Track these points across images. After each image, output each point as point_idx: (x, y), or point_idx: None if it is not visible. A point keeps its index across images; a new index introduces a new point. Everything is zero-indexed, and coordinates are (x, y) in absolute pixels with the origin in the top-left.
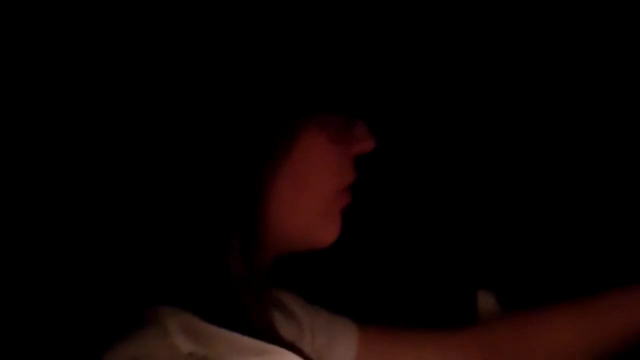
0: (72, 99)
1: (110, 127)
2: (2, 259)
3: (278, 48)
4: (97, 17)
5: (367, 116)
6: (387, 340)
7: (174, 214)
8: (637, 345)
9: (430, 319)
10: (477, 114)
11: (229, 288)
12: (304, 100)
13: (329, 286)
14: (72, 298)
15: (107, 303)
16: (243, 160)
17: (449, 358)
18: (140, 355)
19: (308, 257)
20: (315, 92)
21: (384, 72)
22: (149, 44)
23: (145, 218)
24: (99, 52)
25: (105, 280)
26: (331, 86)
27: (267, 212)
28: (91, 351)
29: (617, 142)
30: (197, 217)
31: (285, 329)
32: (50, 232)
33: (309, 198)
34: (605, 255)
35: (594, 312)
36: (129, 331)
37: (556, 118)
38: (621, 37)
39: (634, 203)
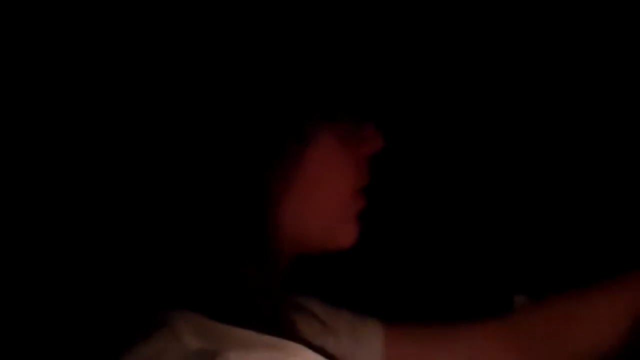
0: (83, 102)
1: (125, 133)
2: (15, 263)
3: (288, 51)
4: (104, 19)
5: (378, 117)
6: (416, 338)
7: (186, 219)
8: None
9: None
10: (495, 109)
11: (242, 291)
12: (315, 103)
13: (354, 292)
14: (87, 302)
15: (121, 307)
16: (254, 164)
17: (482, 349)
18: (149, 356)
19: (333, 260)
20: (326, 95)
21: (391, 74)
22: (160, 48)
23: (158, 223)
24: (110, 55)
25: (119, 284)
26: (341, 88)
27: (280, 215)
28: (106, 355)
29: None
30: (209, 221)
31: (307, 331)
32: (65, 235)
33: (324, 201)
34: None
35: (629, 287)
36: (141, 335)
37: (573, 113)
38: (621, 37)
39: None
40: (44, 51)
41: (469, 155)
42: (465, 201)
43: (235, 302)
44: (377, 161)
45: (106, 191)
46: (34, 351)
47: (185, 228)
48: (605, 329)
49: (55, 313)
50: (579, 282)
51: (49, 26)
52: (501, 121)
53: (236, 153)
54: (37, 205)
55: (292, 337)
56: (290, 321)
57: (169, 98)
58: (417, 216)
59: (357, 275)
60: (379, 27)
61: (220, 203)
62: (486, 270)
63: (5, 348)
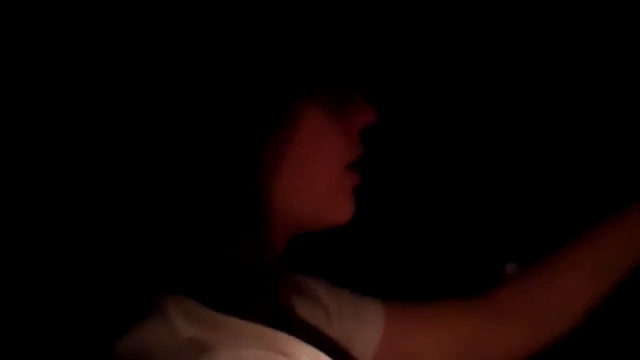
0: (71, 98)
1: (111, 121)
2: (11, 254)
3: (272, 27)
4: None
5: (369, 90)
6: (413, 316)
7: (178, 204)
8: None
9: (459, 292)
10: (484, 89)
11: (239, 275)
12: (300, 78)
13: (351, 265)
14: (83, 290)
15: (117, 294)
16: (243, 143)
17: (466, 325)
18: (142, 342)
19: (329, 238)
20: (311, 70)
21: (377, 45)
22: (141, 35)
23: (150, 208)
24: (92, 49)
25: (116, 271)
26: (326, 62)
27: (272, 194)
28: (102, 341)
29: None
30: (201, 205)
31: (310, 315)
32: (62, 226)
33: (315, 177)
34: None
35: (597, 249)
36: (135, 319)
37: (553, 96)
38: (621, 37)
39: None
40: (37, 51)
41: (456, 129)
42: (456, 170)
43: (230, 286)
44: (367, 136)
45: (99, 179)
46: (35, 341)
47: (177, 213)
48: (586, 290)
49: (56, 302)
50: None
51: (44, 25)
52: (488, 101)
53: (224, 133)
54: (31, 199)
55: (290, 324)
56: (288, 303)
57: (157, 80)
58: (409, 187)
59: (351, 246)
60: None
61: (210, 186)
62: (477, 239)
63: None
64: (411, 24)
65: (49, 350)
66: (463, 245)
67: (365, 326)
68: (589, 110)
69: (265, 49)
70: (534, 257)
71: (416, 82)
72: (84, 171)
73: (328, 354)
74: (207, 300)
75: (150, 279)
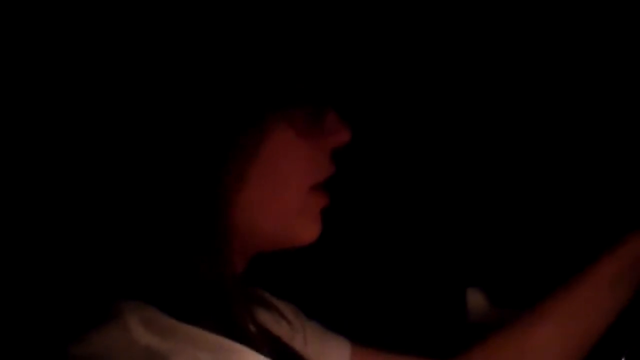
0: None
1: (76, 127)
2: None
3: (241, 42)
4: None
5: (341, 108)
6: None
7: (140, 212)
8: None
9: (421, 317)
10: (460, 93)
11: (196, 286)
12: (268, 96)
13: (316, 286)
14: (39, 291)
15: (74, 297)
16: (205, 158)
17: None
18: (97, 348)
19: (290, 258)
20: (279, 88)
21: (347, 63)
22: (119, 42)
23: (111, 215)
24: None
25: (73, 274)
26: (295, 80)
27: (233, 210)
28: (56, 345)
29: (610, 143)
30: (162, 215)
31: (275, 328)
32: (21, 226)
33: (282, 196)
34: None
35: (565, 305)
36: (93, 325)
37: (545, 115)
38: (621, 37)
39: (624, 201)
40: (28, 51)
41: (422, 149)
42: (420, 194)
43: (187, 294)
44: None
45: (62, 187)
46: None
47: (137, 221)
48: (555, 347)
49: (12, 302)
50: (535, 274)
51: (36, 25)
52: (462, 112)
53: (188, 150)
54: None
55: (246, 334)
56: (246, 317)
57: (125, 96)
58: (373, 211)
59: (314, 272)
60: (333, 16)
61: (173, 198)
62: (439, 264)
63: None
64: (387, 38)
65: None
66: (425, 268)
67: (331, 357)
68: (573, 125)
69: (235, 62)
70: (496, 281)
71: (388, 101)
72: (51, 178)
73: None
74: (165, 308)
75: (107, 284)
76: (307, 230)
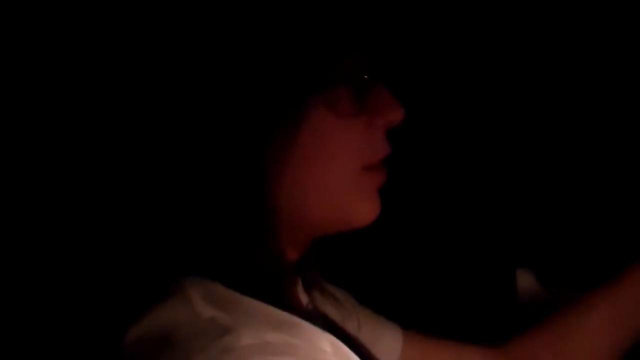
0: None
1: (121, 122)
2: (27, 237)
3: (274, 28)
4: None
5: (397, 85)
6: (429, 349)
7: (183, 200)
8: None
9: (471, 299)
10: (489, 85)
11: (249, 263)
12: (304, 77)
13: (365, 270)
14: (100, 273)
15: (135, 276)
16: (244, 144)
17: None
18: (162, 322)
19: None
20: (317, 68)
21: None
22: (146, 35)
23: (159, 203)
24: (99, 50)
25: (133, 255)
26: (333, 60)
27: (281, 192)
28: (118, 324)
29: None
30: (212, 196)
31: (330, 311)
32: (81, 211)
33: (328, 177)
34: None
35: (613, 303)
36: (155, 301)
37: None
38: (621, 37)
39: None
40: (36, 51)
41: (468, 134)
42: (470, 177)
43: (242, 272)
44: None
45: (118, 178)
46: (50, 323)
47: (183, 205)
48: (601, 345)
49: (73, 282)
50: (584, 255)
51: (43, 26)
52: (500, 105)
53: (225, 132)
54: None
55: (309, 314)
56: (313, 298)
57: (162, 80)
58: (422, 195)
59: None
60: None
61: (213, 180)
62: (488, 244)
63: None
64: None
65: (65, 335)
66: (474, 251)
67: (383, 342)
68: (601, 115)
69: (269, 47)
70: (545, 263)
71: (423, 85)
72: (99, 170)
73: (350, 348)
74: (224, 281)
75: (166, 263)
76: (363, 210)
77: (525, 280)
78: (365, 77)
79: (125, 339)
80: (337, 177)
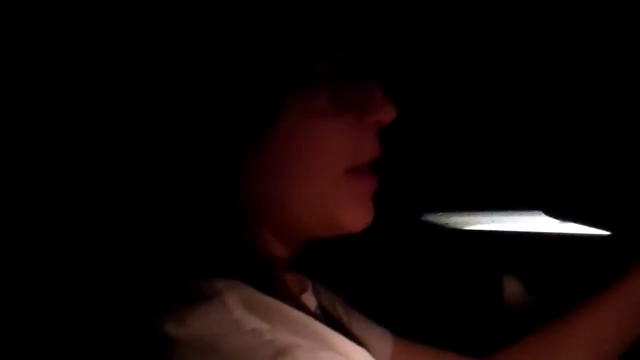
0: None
1: (105, 124)
2: (41, 235)
3: (253, 26)
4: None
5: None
6: (417, 355)
7: (160, 202)
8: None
9: (457, 304)
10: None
11: (240, 264)
12: (276, 80)
13: (354, 275)
14: (120, 267)
15: (155, 273)
16: (219, 149)
17: None
18: (203, 332)
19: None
20: (298, 66)
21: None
22: (127, 36)
23: (145, 204)
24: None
25: (156, 251)
26: (307, 61)
27: (261, 193)
28: (141, 318)
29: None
30: (184, 204)
31: (334, 314)
32: (95, 210)
33: (311, 178)
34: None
35: (597, 319)
36: (186, 304)
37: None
38: (621, 37)
39: None
40: (31, 51)
41: (459, 137)
42: (457, 179)
43: (262, 275)
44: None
45: (114, 183)
46: (70, 322)
47: (161, 206)
48: (599, 346)
49: (91, 279)
50: (568, 261)
51: (38, 25)
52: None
53: (201, 133)
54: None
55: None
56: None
57: (141, 80)
58: (406, 199)
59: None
60: None
61: (189, 183)
62: (476, 250)
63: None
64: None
65: (65, 336)
66: (462, 257)
67: (372, 348)
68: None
69: (242, 48)
70: (532, 269)
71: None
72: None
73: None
74: (256, 286)
75: (187, 261)
76: (351, 216)
77: (512, 286)
78: (358, 75)
79: (168, 339)
80: (319, 177)
